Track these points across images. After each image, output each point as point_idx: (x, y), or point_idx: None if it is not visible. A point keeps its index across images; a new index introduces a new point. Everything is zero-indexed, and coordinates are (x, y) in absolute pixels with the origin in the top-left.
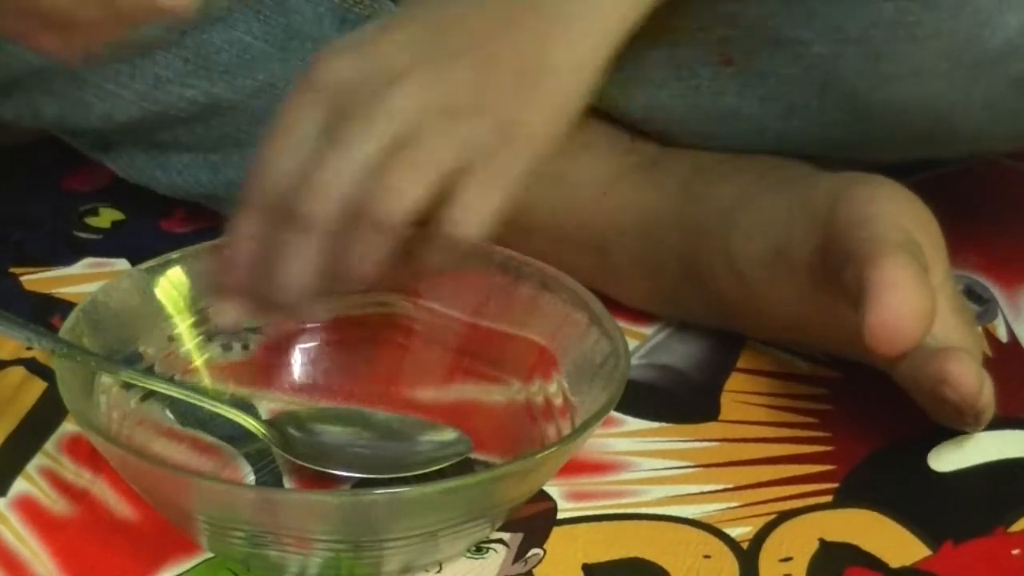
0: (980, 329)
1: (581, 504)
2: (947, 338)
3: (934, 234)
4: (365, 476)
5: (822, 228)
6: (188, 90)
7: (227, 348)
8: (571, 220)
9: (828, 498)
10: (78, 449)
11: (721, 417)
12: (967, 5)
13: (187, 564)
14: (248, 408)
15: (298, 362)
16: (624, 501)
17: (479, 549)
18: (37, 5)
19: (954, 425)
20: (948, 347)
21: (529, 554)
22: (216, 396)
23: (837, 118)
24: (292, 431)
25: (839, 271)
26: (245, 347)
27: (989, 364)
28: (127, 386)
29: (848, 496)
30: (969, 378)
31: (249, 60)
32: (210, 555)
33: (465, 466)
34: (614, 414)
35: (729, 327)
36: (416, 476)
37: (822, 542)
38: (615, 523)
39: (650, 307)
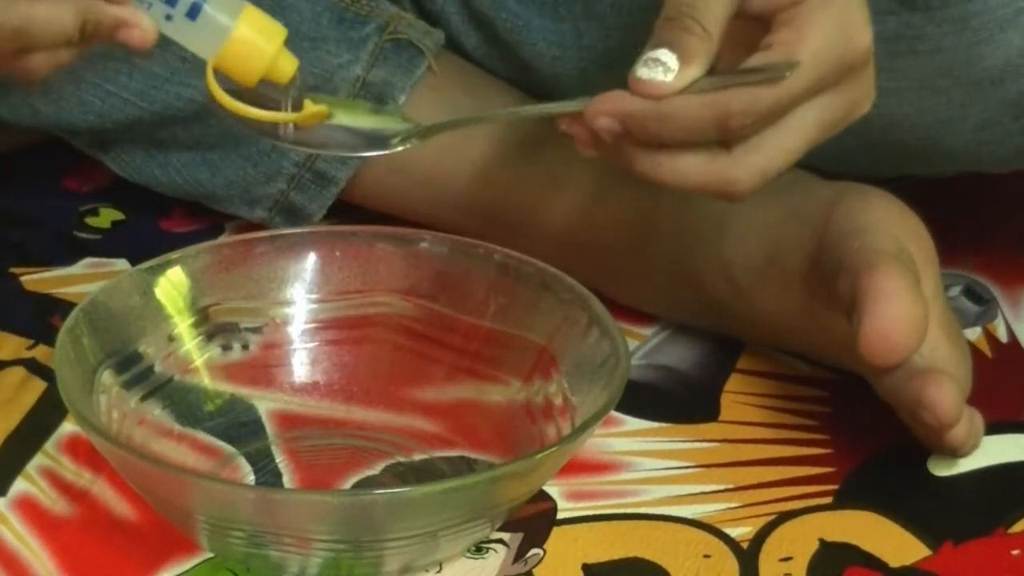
0: (979, 331)
1: (581, 504)
2: (932, 354)
3: (926, 246)
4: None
5: (815, 237)
6: (186, 89)
7: (227, 348)
8: (568, 221)
9: (828, 499)
10: (78, 449)
11: (721, 418)
12: (971, 21)
13: (187, 564)
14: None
15: (298, 362)
16: (624, 501)
17: (479, 549)
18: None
19: (933, 449)
20: (931, 369)
21: (529, 554)
22: (217, 396)
23: None
24: None
25: (832, 280)
26: (245, 347)
27: (989, 364)
28: (127, 386)
29: (848, 498)
30: (947, 404)
31: None
32: (210, 555)
33: (465, 466)
34: (614, 414)
35: (724, 331)
36: (416, 478)
37: (822, 542)
38: (615, 523)
39: (647, 309)
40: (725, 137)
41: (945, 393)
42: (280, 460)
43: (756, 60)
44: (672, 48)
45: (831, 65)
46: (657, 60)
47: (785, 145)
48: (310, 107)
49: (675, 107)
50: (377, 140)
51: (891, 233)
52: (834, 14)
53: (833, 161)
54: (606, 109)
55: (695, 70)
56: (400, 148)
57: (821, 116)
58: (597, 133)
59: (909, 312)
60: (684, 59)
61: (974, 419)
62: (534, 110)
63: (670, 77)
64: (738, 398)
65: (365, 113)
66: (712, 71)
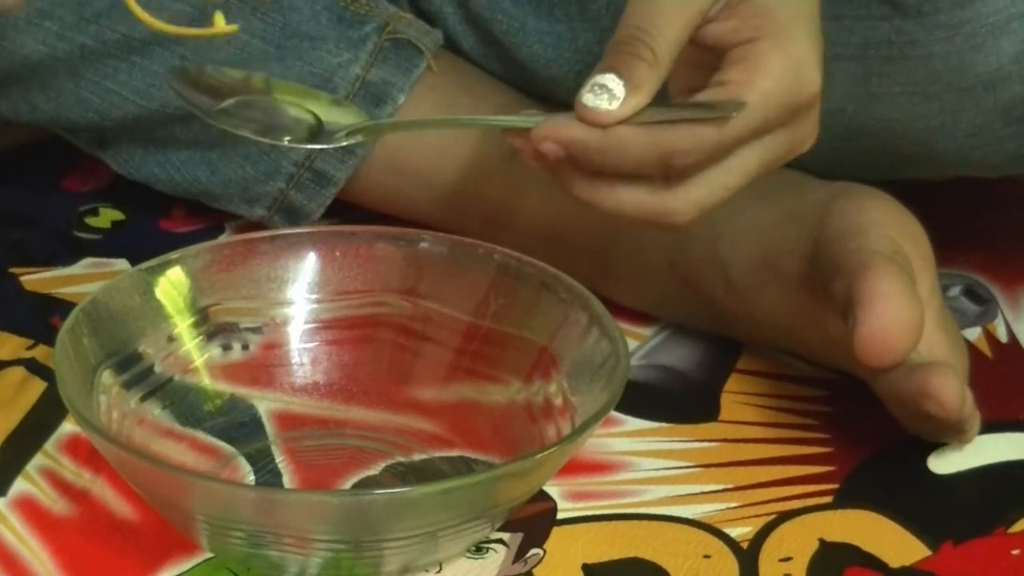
0: (979, 331)
1: (581, 504)
2: (930, 353)
3: (923, 246)
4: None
5: (811, 238)
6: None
7: (227, 348)
8: (566, 222)
9: (828, 499)
10: (78, 449)
11: (721, 418)
12: (963, 27)
13: (187, 564)
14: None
15: (298, 362)
16: (624, 501)
17: (479, 549)
18: None
19: (936, 438)
20: (931, 362)
21: (529, 554)
22: (217, 396)
23: (823, 134)
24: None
25: (828, 281)
26: (245, 347)
27: (989, 364)
28: (127, 386)
29: (848, 497)
30: (952, 393)
31: (246, 58)
32: (210, 555)
33: (465, 466)
34: (614, 414)
35: (721, 332)
36: (416, 478)
37: (822, 542)
38: (615, 523)
39: (645, 310)
40: (667, 174)
41: (949, 381)
42: (280, 460)
43: (705, 96)
44: (619, 75)
45: (780, 108)
46: (604, 86)
47: (725, 181)
48: (219, 22)
49: (619, 141)
50: (326, 133)
51: (887, 234)
52: (787, 55)
53: (824, 164)
54: (551, 135)
55: (641, 98)
56: (344, 143)
57: (764, 155)
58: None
59: (904, 314)
60: (631, 87)
61: (969, 396)
62: (482, 121)
63: (615, 105)
64: (738, 398)
65: (322, 104)
66: (662, 93)
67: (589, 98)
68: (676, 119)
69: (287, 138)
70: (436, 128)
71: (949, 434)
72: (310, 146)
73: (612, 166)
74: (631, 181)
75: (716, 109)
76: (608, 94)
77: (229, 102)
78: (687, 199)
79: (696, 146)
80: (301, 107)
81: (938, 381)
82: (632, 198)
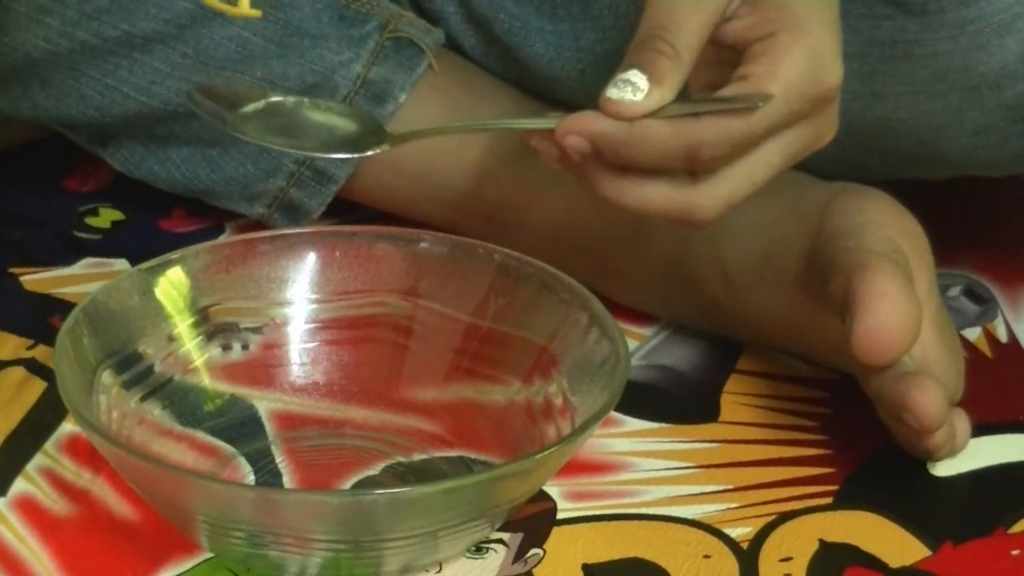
0: (979, 331)
1: (581, 504)
2: (923, 355)
3: (921, 246)
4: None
5: (810, 236)
6: (186, 85)
7: (227, 348)
8: (567, 222)
9: (828, 500)
10: (78, 449)
11: (721, 418)
12: (968, 26)
13: (187, 564)
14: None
15: (298, 362)
16: (624, 501)
17: (479, 549)
18: None
19: (910, 450)
20: (917, 372)
21: (529, 554)
22: (217, 396)
23: None
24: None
25: (826, 280)
26: (245, 347)
27: (989, 364)
28: (127, 386)
29: (848, 498)
30: (930, 408)
31: (247, 56)
32: (210, 555)
33: (465, 466)
34: (614, 414)
35: (721, 332)
36: (416, 478)
37: (822, 542)
38: (615, 523)
39: (645, 310)
40: (693, 168)
41: (929, 397)
42: (280, 460)
43: (730, 91)
44: (643, 69)
45: (803, 99)
46: (627, 81)
47: (751, 175)
48: (244, 3)
49: (645, 132)
50: (349, 143)
51: (885, 233)
52: (808, 47)
53: (827, 164)
54: (577, 128)
55: (666, 92)
56: (369, 153)
57: (786, 148)
58: (566, 151)
59: (901, 313)
60: (655, 80)
61: (958, 424)
62: (505, 124)
63: (640, 97)
64: (738, 399)
65: (341, 115)
66: (684, 92)
67: (614, 92)
68: (702, 111)
69: (317, 148)
70: (459, 133)
71: (919, 450)
72: (340, 155)
73: (638, 160)
74: (656, 176)
75: (742, 101)
76: (632, 87)
77: (251, 108)
78: (712, 194)
79: (722, 138)
80: (323, 117)
81: (918, 395)
82: (658, 194)
